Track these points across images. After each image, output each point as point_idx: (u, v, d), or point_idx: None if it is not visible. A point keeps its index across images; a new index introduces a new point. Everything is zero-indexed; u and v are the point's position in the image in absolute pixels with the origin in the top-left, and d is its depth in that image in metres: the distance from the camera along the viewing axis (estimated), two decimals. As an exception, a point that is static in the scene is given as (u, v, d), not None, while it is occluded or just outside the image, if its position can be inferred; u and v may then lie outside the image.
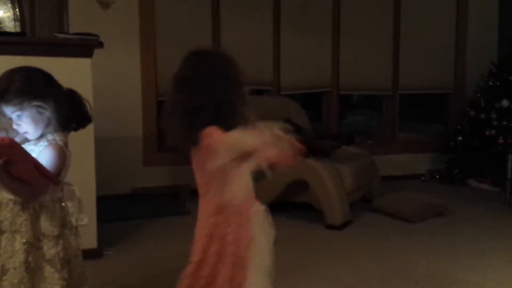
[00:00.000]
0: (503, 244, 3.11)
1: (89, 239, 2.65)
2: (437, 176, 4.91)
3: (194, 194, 4.83)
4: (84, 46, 2.75)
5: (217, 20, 4.46)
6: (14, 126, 1.57)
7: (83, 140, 2.64)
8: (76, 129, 1.67)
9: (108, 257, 2.81)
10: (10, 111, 1.53)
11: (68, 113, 1.61)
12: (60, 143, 1.57)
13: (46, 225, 1.55)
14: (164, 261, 2.79)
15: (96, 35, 2.81)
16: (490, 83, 4.78)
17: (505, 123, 4.54)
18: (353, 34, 4.87)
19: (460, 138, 4.79)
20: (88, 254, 2.24)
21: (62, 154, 1.56)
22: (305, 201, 3.59)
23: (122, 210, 3.78)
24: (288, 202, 3.62)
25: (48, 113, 1.56)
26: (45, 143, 1.56)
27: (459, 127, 4.87)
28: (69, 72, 2.55)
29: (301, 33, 4.70)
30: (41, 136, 1.58)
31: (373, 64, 4.97)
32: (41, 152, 1.54)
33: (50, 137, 1.57)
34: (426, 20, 5.09)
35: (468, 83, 5.18)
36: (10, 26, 3.56)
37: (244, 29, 4.54)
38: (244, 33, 4.53)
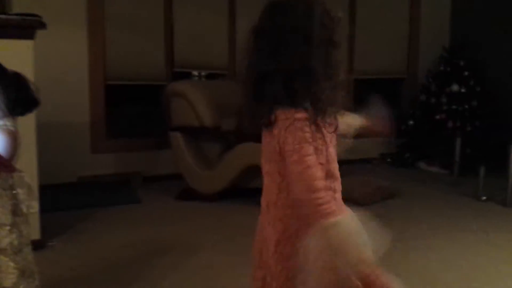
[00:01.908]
0: (450, 223, 3.20)
1: (31, 229, 2.55)
2: (389, 160, 5.01)
3: (146, 181, 4.75)
4: (25, 27, 2.62)
5: (170, 2, 4.35)
6: None
7: (24, 125, 2.47)
8: (23, 113, 1.62)
9: (51, 249, 2.72)
10: None
11: (15, 96, 1.56)
12: (12, 128, 1.54)
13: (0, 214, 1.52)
14: (112, 251, 2.72)
15: (38, 16, 2.68)
16: (442, 68, 4.89)
17: (455, 107, 4.67)
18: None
19: (411, 122, 4.89)
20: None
21: (15, 140, 1.53)
22: (260, 186, 3.57)
23: (67, 199, 3.65)
24: (242, 188, 3.60)
25: None
26: None
27: (410, 112, 4.97)
28: (10, 54, 2.41)
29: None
30: None
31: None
32: None
33: (0, 122, 1.53)
34: (380, 6, 5.13)
35: (421, 69, 5.27)
36: None
37: (198, 12, 4.44)
38: (198, 16, 4.43)
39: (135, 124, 4.67)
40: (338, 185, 1.28)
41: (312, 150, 1.13)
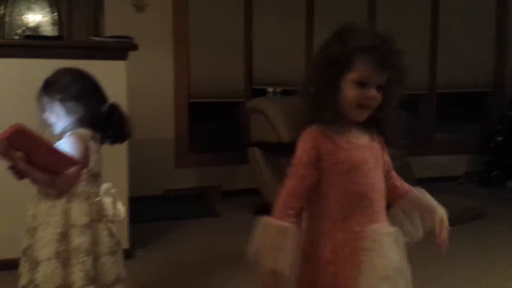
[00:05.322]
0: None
1: (121, 239, 2.66)
2: (475, 178, 4.76)
3: (224, 195, 4.82)
4: (119, 49, 2.78)
5: (250, 21, 4.45)
6: (45, 116, 1.64)
7: (117, 141, 2.68)
8: (111, 143, 1.73)
9: (140, 258, 2.82)
10: (46, 101, 1.62)
11: (102, 126, 1.67)
12: (81, 133, 1.61)
13: (75, 215, 1.57)
14: (195, 263, 2.80)
15: (130, 38, 2.84)
16: (532, 81, 4.60)
17: (548, 122, 4.36)
18: (389, 30, 4.74)
19: (500, 138, 4.62)
20: (121, 255, 2.26)
21: (80, 141, 1.59)
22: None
23: (154, 211, 3.82)
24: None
25: (77, 116, 1.62)
26: (68, 134, 1.62)
27: (498, 127, 4.70)
28: (105, 74, 2.52)
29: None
30: (67, 131, 1.64)
31: (408, 61, 4.82)
32: (63, 142, 1.59)
33: (74, 130, 1.63)
34: (465, 15, 4.91)
35: (509, 81, 4.98)
36: (48, 30, 3.66)
37: (277, 29, 4.51)
38: (277, 33, 4.50)
39: (216, 140, 4.81)
40: None
41: None
